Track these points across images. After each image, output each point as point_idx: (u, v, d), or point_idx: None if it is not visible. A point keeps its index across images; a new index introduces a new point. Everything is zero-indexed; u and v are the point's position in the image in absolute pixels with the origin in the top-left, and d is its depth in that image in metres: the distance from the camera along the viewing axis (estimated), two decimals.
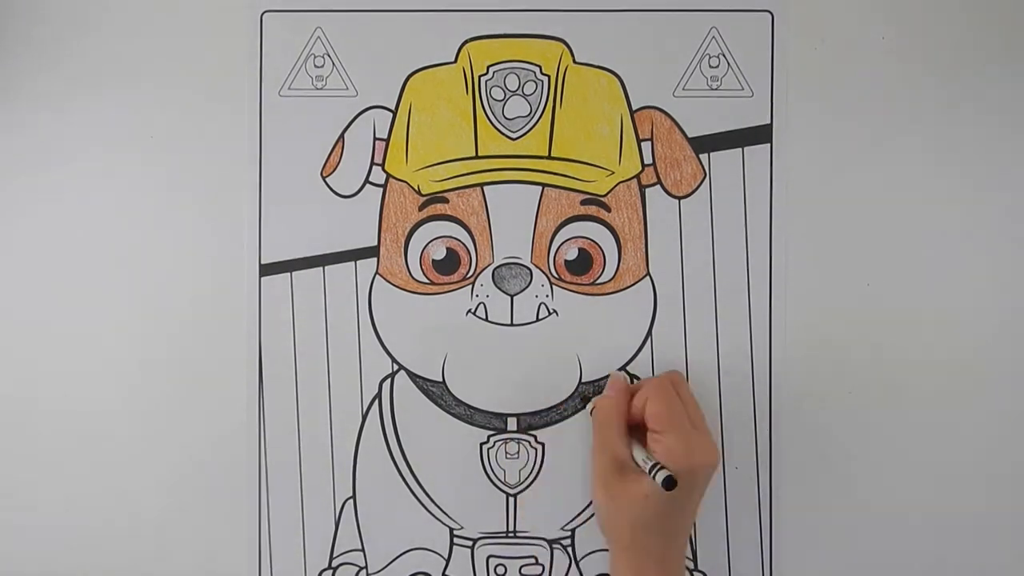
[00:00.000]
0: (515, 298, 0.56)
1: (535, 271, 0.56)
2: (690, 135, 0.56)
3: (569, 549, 0.56)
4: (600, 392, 0.55)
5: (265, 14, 0.56)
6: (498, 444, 0.56)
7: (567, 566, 0.56)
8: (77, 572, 0.56)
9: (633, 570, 0.49)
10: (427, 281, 0.56)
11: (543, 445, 0.56)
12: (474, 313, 0.56)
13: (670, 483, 0.45)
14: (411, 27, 0.56)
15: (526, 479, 0.56)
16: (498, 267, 0.56)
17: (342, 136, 0.56)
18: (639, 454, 0.49)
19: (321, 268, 0.56)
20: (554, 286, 0.56)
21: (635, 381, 0.55)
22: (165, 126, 0.56)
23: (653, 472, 0.46)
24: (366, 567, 0.56)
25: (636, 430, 0.51)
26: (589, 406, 0.54)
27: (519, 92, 0.56)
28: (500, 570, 0.56)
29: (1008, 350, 0.56)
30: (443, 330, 0.56)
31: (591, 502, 0.55)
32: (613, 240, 0.56)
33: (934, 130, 0.56)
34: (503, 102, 0.56)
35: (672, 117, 0.56)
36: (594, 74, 0.56)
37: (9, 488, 0.57)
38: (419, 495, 0.56)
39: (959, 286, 0.56)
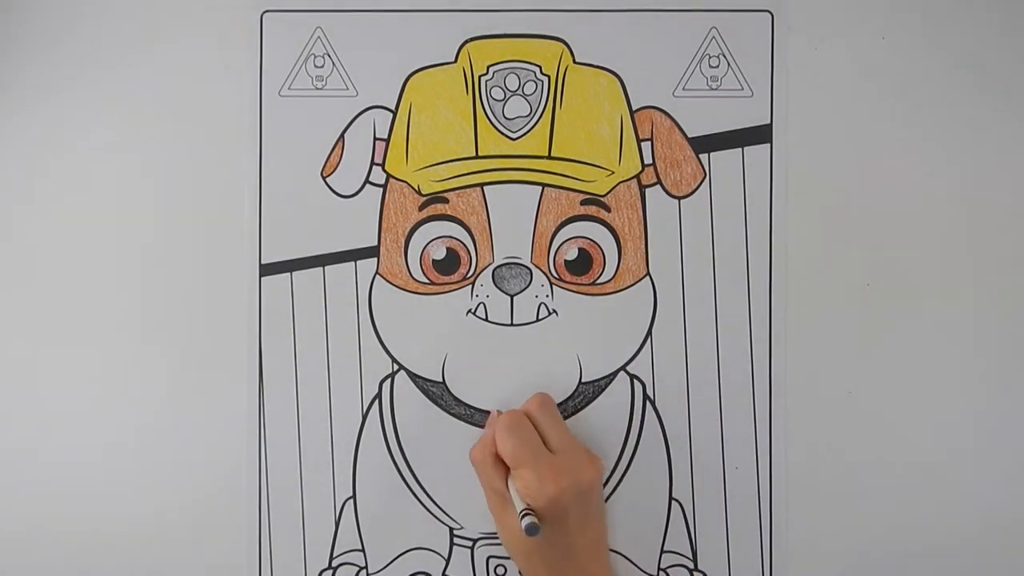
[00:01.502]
0: (515, 298, 0.56)
1: (535, 271, 0.56)
2: (690, 135, 0.56)
3: None
4: (602, 390, 0.55)
5: (265, 14, 0.56)
6: None
7: None
8: (77, 572, 0.56)
9: None
10: (427, 281, 0.56)
11: None
12: (474, 313, 0.56)
13: (532, 530, 0.45)
14: (411, 27, 0.56)
15: None
16: (498, 267, 0.56)
17: (342, 136, 0.56)
18: (512, 492, 0.49)
19: (321, 268, 0.56)
20: (554, 286, 0.56)
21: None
22: (165, 126, 0.56)
23: (520, 516, 0.46)
24: (366, 567, 0.56)
25: None
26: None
27: (519, 92, 0.56)
28: (500, 570, 0.56)
29: (1008, 350, 0.56)
30: (443, 330, 0.56)
31: None
32: (613, 240, 0.56)
33: (934, 130, 0.56)
34: (503, 102, 0.56)
35: (672, 117, 0.56)
36: (594, 74, 0.56)
37: (9, 487, 0.57)
38: (419, 495, 0.56)
39: (959, 286, 0.56)
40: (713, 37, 0.56)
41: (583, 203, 0.56)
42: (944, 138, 0.56)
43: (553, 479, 0.48)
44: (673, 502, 0.56)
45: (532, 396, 0.54)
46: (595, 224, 0.56)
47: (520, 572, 0.52)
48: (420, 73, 0.56)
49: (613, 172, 0.56)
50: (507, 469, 0.50)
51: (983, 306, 0.56)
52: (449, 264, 0.56)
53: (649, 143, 0.56)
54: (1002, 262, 0.56)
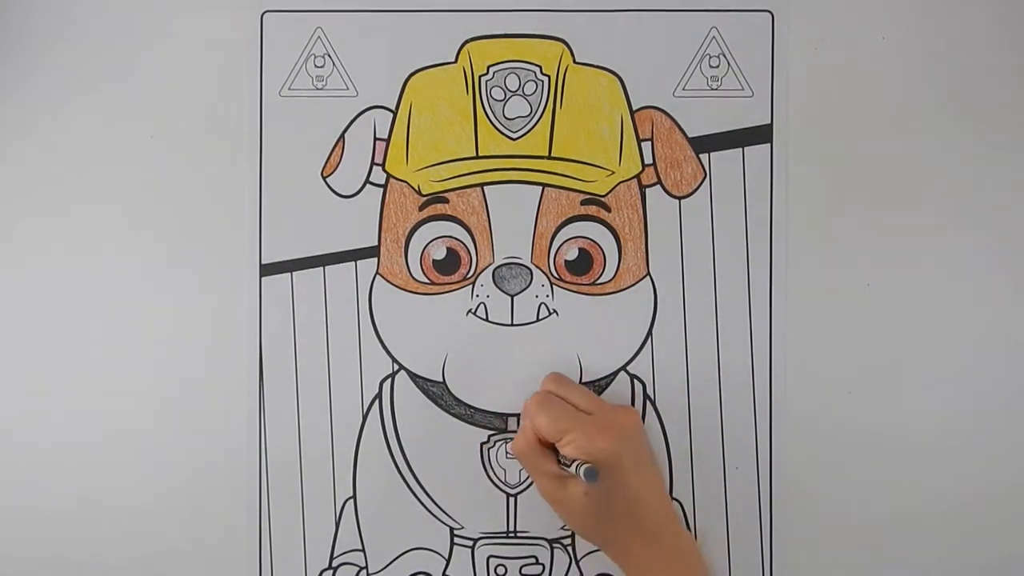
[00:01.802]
0: (515, 298, 0.56)
1: (535, 271, 0.56)
2: (690, 135, 0.56)
3: (569, 549, 0.56)
4: (602, 390, 0.56)
5: (265, 14, 0.56)
6: (498, 444, 0.56)
7: (567, 566, 0.56)
8: (77, 571, 0.56)
9: (633, 553, 0.50)
10: (427, 281, 0.56)
11: None
12: (474, 313, 0.56)
13: (591, 474, 0.46)
14: (411, 27, 0.56)
15: (526, 479, 0.56)
16: (498, 267, 0.56)
17: (342, 136, 0.56)
18: (562, 462, 0.50)
19: (321, 268, 0.56)
20: (554, 286, 0.56)
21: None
22: (165, 126, 0.56)
23: (577, 468, 0.47)
24: (366, 567, 0.56)
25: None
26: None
27: (519, 92, 0.56)
28: (500, 570, 0.56)
29: (1009, 349, 0.56)
30: (443, 330, 0.56)
31: None
32: (613, 240, 0.56)
33: (934, 130, 0.56)
34: (503, 102, 0.56)
35: (672, 117, 0.56)
36: (594, 74, 0.56)
37: (9, 487, 0.57)
38: (419, 495, 0.56)
39: (959, 286, 0.56)
40: (713, 37, 0.56)
41: (583, 203, 0.56)
42: (944, 138, 0.56)
43: (599, 433, 0.49)
44: (673, 502, 0.56)
45: (545, 377, 0.55)
46: (595, 224, 0.56)
47: (614, 561, 0.52)
48: (420, 73, 0.56)
49: (613, 172, 0.56)
50: (552, 450, 0.51)
51: (983, 306, 0.56)
52: (449, 264, 0.56)
53: (649, 143, 0.56)
54: (1002, 262, 0.56)
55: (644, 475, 0.51)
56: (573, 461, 0.48)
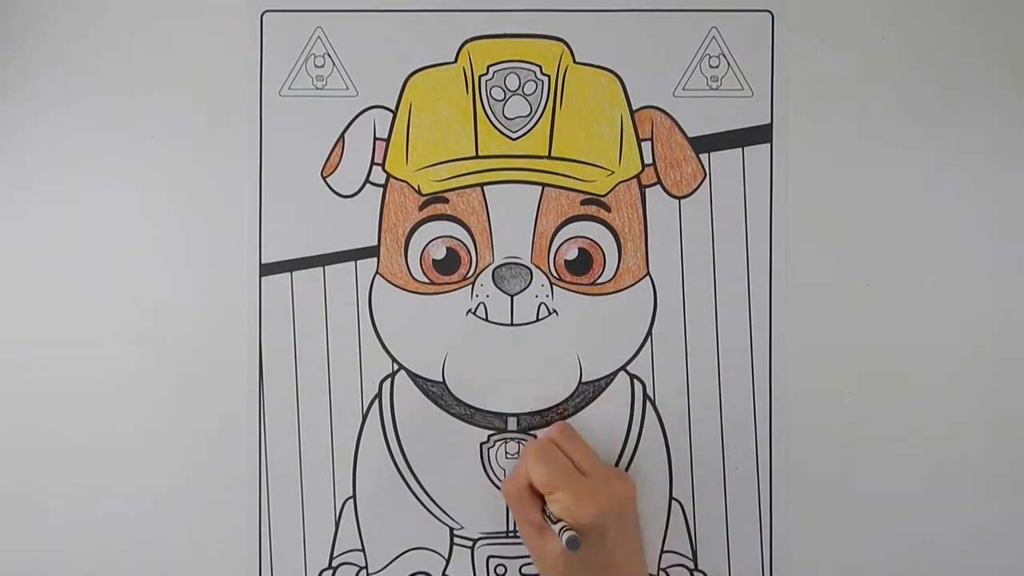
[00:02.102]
0: (515, 298, 0.56)
1: (535, 271, 0.56)
2: (690, 135, 0.56)
3: None
4: (602, 390, 0.56)
5: (265, 14, 0.56)
6: (498, 444, 0.56)
7: None
8: (76, 571, 0.56)
9: None
10: (427, 281, 0.56)
11: None
12: (474, 313, 0.56)
13: (573, 543, 0.46)
14: (411, 27, 0.56)
15: None
16: (498, 267, 0.56)
17: (342, 136, 0.56)
18: (547, 518, 0.49)
19: (321, 268, 0.56)
20: (554, 286, 0.56)
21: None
22: (165, 126, 0.56)
23: (559, 533, 0.47)
24: (366, 567, 0.56)
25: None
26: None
27: (519, 92, 0.56)
28: (500, 570, 0.56)
29: (1008, 349, 0.56)
30: (443, 330, 0.56)
31: None
32: (613, 240, 0.56)
33: (934, 130, 0.56)
34: (503, 102, 0.56)
35: (672, 117, 0.56)
36: (594, 74, 0.56)
37: (9, 486, 0.57)
38: (419, 495, 0.56)
39: (959, 286, 0.56)
40: (713, 37, 0.56)
41: (583, 203, 0.56)
42: (944, 138, 0.56)
43: (590, 499, 0.48)
44: (673, 502, 0.56)
45: (552, 426, 0.55)
46: (595, 224, 0.56)
47: None
48: (420, 73, 0.56)
49: (613, 172, 0.56)
50: (541, 499, 0.51)
51: (983, 306, 0.56)
52: (449, 264, 0.56)
53: (649, 143, 0.56)
54: (1002, 263, 0.56)
55: (626, 547, 0.51)
56: (560, 525, 0.47)
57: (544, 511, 0.50)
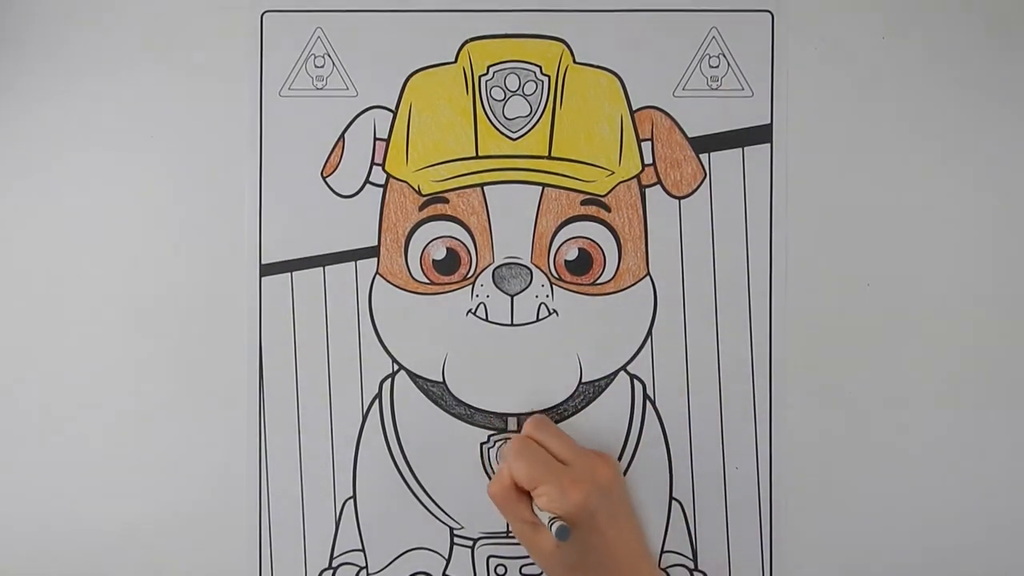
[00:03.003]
0: (515, 298, 0.56)
1: (535, 271, 0.56)
2: (690, 135, 0.56)
3: None
4: (602, 390, 0.56)
5: (265, 14, 0.56)
6: (498, 444, 0.56)
7: None
8: (76, 572, 0.56)
9: None
10: (427, 281, 0.56)
11: None
12: (474, 313, 0.56)
13: (563, 532, 0.46)
14: (411, 27, 0.56)
15: None
16: (498, 267, 0.56)
17: (342, 136, 0.56)
18: (537, 512, 0.49)
19: (321, 268, 0.56)
20: (554, 286, 0.56)
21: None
22: (165, 126, 0.56)
23: (549, 525, 0.47)
24: (366, 567, 0.56)
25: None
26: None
27: (519, 92, 0.56)
28: (500, 570, 0.56)
29: (1009, 350, 0.56)
30: (443, 330, 0.56)
31: None
32: (613, 240, 0.56)
33: (934, 130, 0.56)
34: (503, 102, 0.56)
35: (672, 117, 0.56)
36: (594, 74, 0.56)
37: (8, 486, 0.57)
38: (419, 495, 0.56)
39: (959, 286, 0.56)
40: (713, 37, 0.56)
41: (583, 203, 0.56)
42: (944, 138, 0.56)
43: (574, 487, 0.49)
44: (673, 502, 0.56)
45: (527, 420, 0.54)
46: (595, 224, 0.56)
47: None
48: (420, 73, 0.56)
49: (613, 172, 0.56)
50: (528, 496, 0.51)
51: (983, 306, 0.56)
52: (449, 264, 0.56)
53: (649, 143, 0.56)
54: (1002, 262, 0.56)
55: (620, 528, 0.50)
56: (550, 518, 0.47)
57: (534, 506, 0.50)
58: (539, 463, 0.50)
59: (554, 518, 0.47)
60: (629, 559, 0.50)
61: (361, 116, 0.56)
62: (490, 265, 0.56)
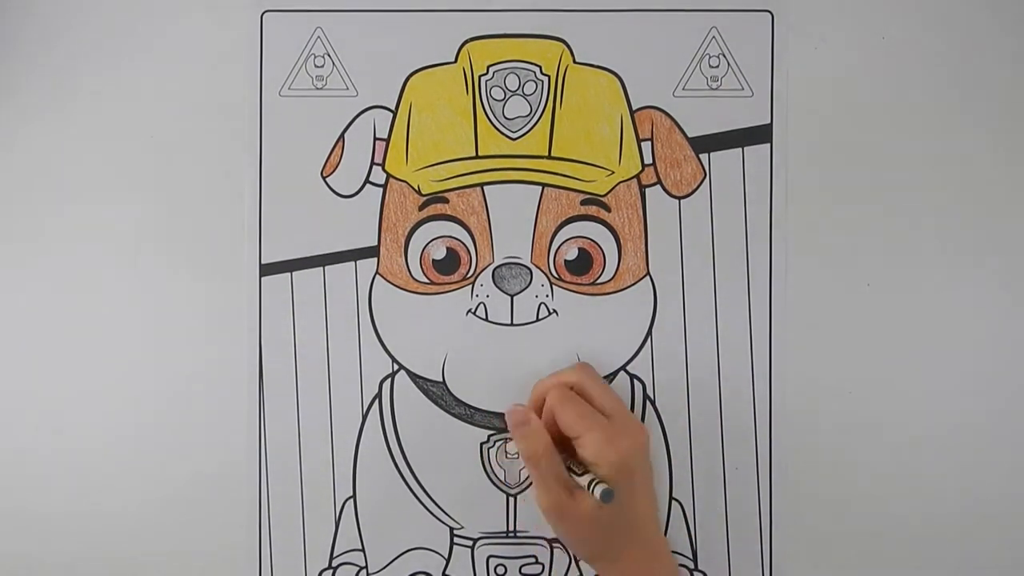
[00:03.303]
0: (515, 298, 0.56)
1: (535, 271, 0.56)
2: (690, 135, 0.56)
3: (569, 548, 0.56)
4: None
5: (265, 14, 0.56)
6: (498, 444, 0.56)
7: (567, 565, 0.56)
8: (76, 571, 0.56)
9: (632, 572, 0.50)
10: (427, 281, 0.56)
11: None
12: (474, 313, 0.56)
13: (608, 496, 0.46)
14: (411, 27, 0.56)
15: (526, 479, 0.56)
16: (498, 267, 0.56)
17: (342, 136, 0.56)
18: (575, 470, 0.49)
19: (321, 268, 0.56)
20: (554, 286, 0.56)
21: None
22: (165, 126, 0.56)
23: (591, 489, 0.47)
24: (366, 567, 0.56)
25: (562, 441, 0.51)
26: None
27: (519, 92, 0.56)
28: (500, 570, 0.56)
29: (1009, 349, 0.56)
30: (443, 330, 0.56)
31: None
32: (613, 240, 0.56)
33: (934, 130, 0.56)
34: (503, 102, 0.56)
35: (672, 117, 0.56)
36: (594, 74, 0.56)
37: (9, 486, 0.57)
38: (419, 495, 0.56)
39: (959, 286, 0.56)
40: (713, 37, 0.56)
41: (583, 203, 0.56)
42: (944, 138, 0.56)
43: (620, 437, 0.48)
44: (673, 502, 0.56)
45: (571, 368, 0.53)
46: (595, 224, 0.56)
47: (585, 563, 0.52)
48: (420, 73, 0.56)
49: (613, 172, 0.56)
50: (563, 455, 0.50)
51: (984, 306, 0.56)
52: (449, 264, 0.56)
53: (649, 143, 0.56)
54: (1002, 262, 0.56)
55: (648, 494, 0.51)
56: (584, 474, 0.47)
57: (569, 467, 0.50)
58: (585, 410, 0.50)
59: (596, 481, 0.46)
60: (651, 527, 0.51)
61: (361, 116, 0.56)
62: (490, 265, 0.56)
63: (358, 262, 0.56)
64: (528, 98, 0.56)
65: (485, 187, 0.56)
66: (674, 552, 0.56)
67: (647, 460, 0.51)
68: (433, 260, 0.56)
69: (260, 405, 0.56)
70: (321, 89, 0.56)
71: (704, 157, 0.56)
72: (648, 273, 0.56)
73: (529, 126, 0.56)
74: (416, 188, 0.56)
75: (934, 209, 0.56)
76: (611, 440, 0.48)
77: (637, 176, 0.56)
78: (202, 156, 0.56)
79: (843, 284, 0.56)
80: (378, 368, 0.56)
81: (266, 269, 0.56)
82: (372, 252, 0.56)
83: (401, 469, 0.56)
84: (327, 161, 0.56)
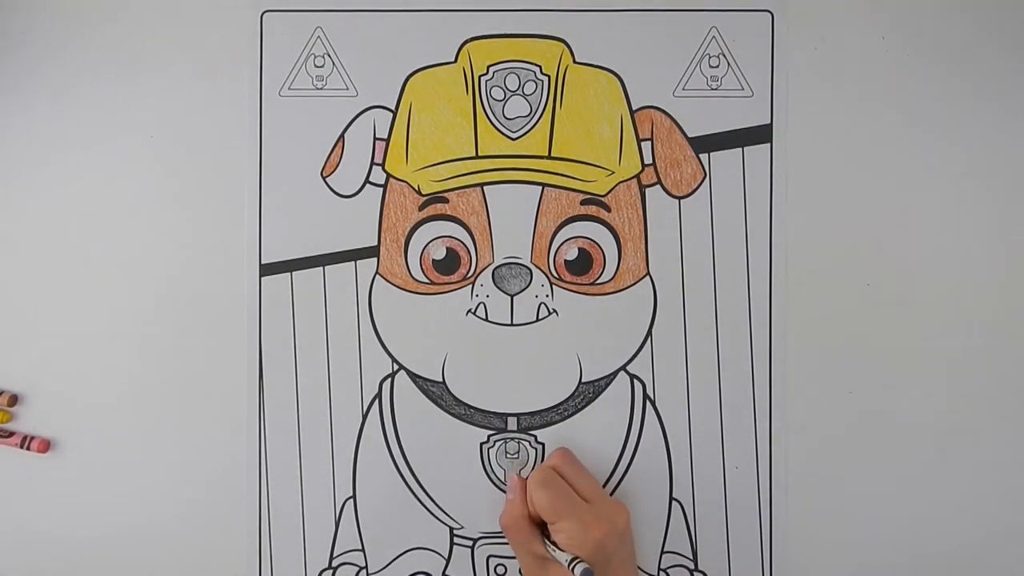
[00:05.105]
0: (515, 298, 0.56)
1: (535, 271, 0.56)
2: (690, 135, 0.56)
3: None
4: (602, 390, 0.55)
5: (265, 14, 0.56)
6: (498, 444, 0.56)
7: None
8: (76, 571, 0.56)
9: None
10: (427, 281, 0.56)
11: (543, 445, 0.56)
12: (474, 313, 0.56)
13: (588, 574, 0.46)
14: (411, 27, 0.56)
15: (526, 479, 0.56)
16: (498, 267, 0.56)
17: (342, 136, 0.56)
18: (551, 548, 0.49)
19: (321, 268, 0.56)
20: (554, 286, 0.56)
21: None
22: (165, 126, 0.56)
23: (571, 566, 0.47)
24: (366, 567, 0.56)
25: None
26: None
27: (519, 92, 0.56)
28: (500, 570, 0.56)
29: (1009, 349, 0.56)
30: (443, 330, 0.56)
31: None
32: (613, 240, 0.56)
33: (934, 130, 0.56)
34: (503, 102, 0.56)
35: (672, 117, 0.56)
36: (594, 74, 0.56)
37: (9, 486, 0.57)
38: (419, 495, 0.56)
39: (959, 286, 0.56)
40: (713, 37, 0.56)
41: (583, 203, 0.56)
42: (944, 138, 0.56)
43: (595, 525, 0.48)
44: (673, 502, 0.56)
45: (553, 452, 0.54)
46: (595, 224, 0.56)
47: None
48: (420, 73, 0.56)
49: (613, 172, 0.56)
50: (540, 529, 0.50)
51: (984, 305, 0.56)
52: (449, 264, 0.56)
53: (649, 143, 0.56)
54: (1002, 261, 0.56)
55: (628, 571, 0.51)
56: (570, 559, 0.47)
57: (547, 542, 0.50)
58: (562, 496, 0.50)
59: (576, 559, 0.47)
60: None
61: (361, 116, 0.56)
62: (490, 265, 0.56)
63: (358, 262, 0.56)
64: (528, 98, 0.56)
65: (485, 187, 0.56)
66: (674, 552, 0.56)
67: (626, 542, 0.51)
68: (433, 260, 0.56)
69: (260, 405, 0.56)
70: (321, 89, 0.56)
71: (704, 157, 0.56)
72: (648, 273, 0.56)
73: (529, 126, 0.56)
74: (416, 188, 0.56)
75: (934, 209, 0.56)
76: (585, 528, 0.48)
77: (637, 176, 0.56)
78: (202, 156, 0.56)
79: (843, 284, 0.56)
80: (378, 368, 0.56)
81: (266, 269, 0.56)
82: (372, 252, 0.56)
83: (401, 469, 0.56)
84: (327, 161, 0.56)
